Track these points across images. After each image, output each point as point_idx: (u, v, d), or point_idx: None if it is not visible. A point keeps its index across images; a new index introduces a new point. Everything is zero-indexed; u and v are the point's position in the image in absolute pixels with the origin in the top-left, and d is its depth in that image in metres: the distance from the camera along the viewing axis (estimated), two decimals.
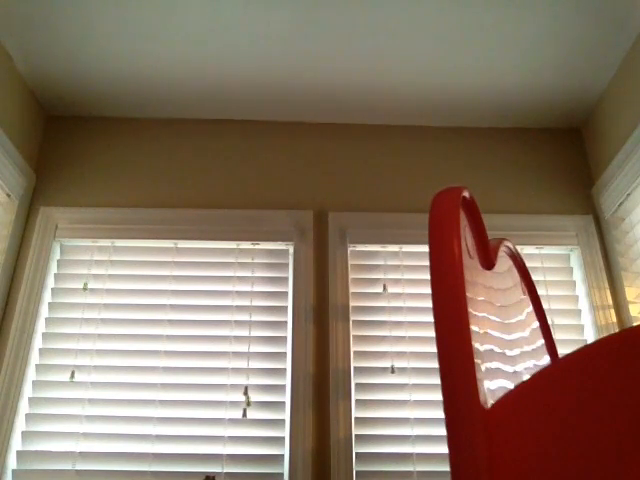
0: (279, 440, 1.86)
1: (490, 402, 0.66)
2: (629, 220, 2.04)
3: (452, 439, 0.61)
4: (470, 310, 0.67)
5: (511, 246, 1.11)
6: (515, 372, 0.91)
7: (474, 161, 2.31)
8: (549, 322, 1.22)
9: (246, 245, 2.13)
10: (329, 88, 2.20)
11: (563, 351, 0.85)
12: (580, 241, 2.15)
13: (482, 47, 2.02)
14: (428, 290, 2.02)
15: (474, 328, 0.68)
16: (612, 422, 0.54)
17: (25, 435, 1.85)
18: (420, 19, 1.92)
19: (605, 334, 1.97)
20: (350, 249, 2.13)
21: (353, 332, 2.00)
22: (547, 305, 2.03)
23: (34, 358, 1.95)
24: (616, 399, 0.55)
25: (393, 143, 2.33)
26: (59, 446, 1.83)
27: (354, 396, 1.92)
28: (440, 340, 0.65)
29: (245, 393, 1.91)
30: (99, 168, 2.24)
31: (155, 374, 1.93)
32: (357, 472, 1.82)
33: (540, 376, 0.64)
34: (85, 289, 2.04)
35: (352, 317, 2.02)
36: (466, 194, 0.82)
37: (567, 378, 0.60)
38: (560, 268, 2.15)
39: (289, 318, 2.01)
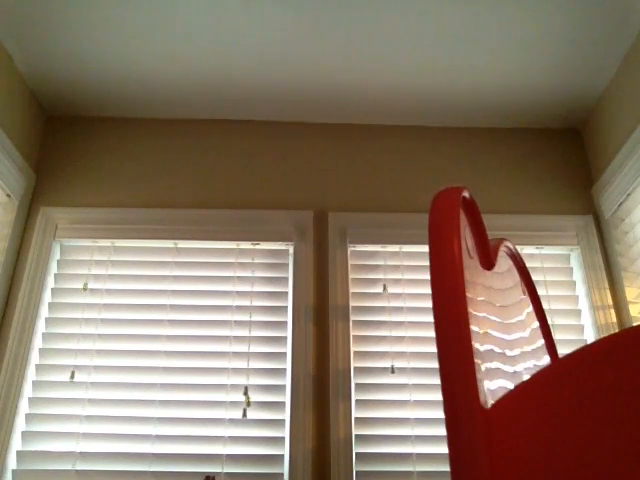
0: (279, 440, 1.86)
1: (490, 402, 0.65)
2: (629, 220, 2.04)
3: (452, 439, 0.61)
4: (470, 310, 0.67)
5: (511, 246, 1.11)
6: (515, 372, 0.90)
7: (474, 161, 2.31)
8: (549, 322, 1.22)
9: (246, 245, 2.13)
10: (329, 88, 2.20)
11: (563, 351, 0.85)
12: (580, 241, 2.15)
13: (482, 47, 2.02)
14: (428, 290, 2.02)
15: (474, 328, 0.68)
16: (612, 422, 0.54)
17: (25, 435, 1.85)
18: (420, 19, 1.92)
19: (605, 334, 1.97)
20: (350, 249, 2.13)
21: (353, 332, 2.00)
22: (547, 305, 2.03)
23: (34, 358, 1.95)
24: (616, 399, 0.55)
25: (393, 143, 2.33)
26: (59, 446, 1.83)
27: (354, 396, 1.92)
28: (440, 340, 0.65)
29: (245, 393, 1.91)
30: (99, 168, 2.24)
31: (155, 374, 1.93)
32: (357, 472, 1.82)
33: (540, 376, 0.64)
34: (85, 289, 2.04)
35: (352, 317, 2.02)
36: (466, 194, 0.82)
37: (567, 378, 0.60)
38: (560, 268, 2.15)
39: (289, 318, 2.01)
